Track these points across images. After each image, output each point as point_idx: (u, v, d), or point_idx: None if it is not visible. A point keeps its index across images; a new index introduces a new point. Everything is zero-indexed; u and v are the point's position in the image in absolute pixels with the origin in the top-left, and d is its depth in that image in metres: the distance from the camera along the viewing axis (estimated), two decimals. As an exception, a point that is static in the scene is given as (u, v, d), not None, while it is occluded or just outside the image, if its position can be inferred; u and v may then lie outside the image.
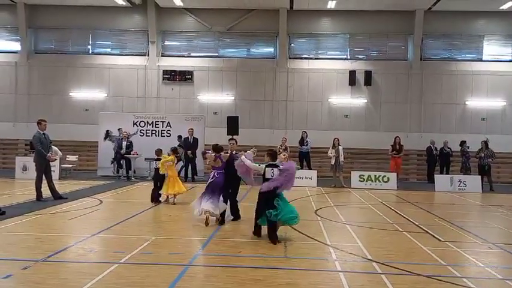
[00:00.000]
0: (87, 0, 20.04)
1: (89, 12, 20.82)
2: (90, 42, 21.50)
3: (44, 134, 11.35)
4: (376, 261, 6.17)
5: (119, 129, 17.58)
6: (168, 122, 18.28)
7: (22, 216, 8.95)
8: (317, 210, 10.82)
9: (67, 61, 21.03)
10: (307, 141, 17.93)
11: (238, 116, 18.03)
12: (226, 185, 8.90)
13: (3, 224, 8.14)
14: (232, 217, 9.14)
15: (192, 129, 17.27)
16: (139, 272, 5.47)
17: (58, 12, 20.94)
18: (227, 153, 9.17)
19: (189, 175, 16.97)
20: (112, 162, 17.49)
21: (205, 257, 6.34)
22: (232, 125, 17.43)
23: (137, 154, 16.92)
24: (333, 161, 16.50)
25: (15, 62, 21.03)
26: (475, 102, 20.47)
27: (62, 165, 17.08)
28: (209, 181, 8.86)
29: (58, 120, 18.92)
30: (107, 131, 17.73)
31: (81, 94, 20.84)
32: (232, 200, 9.16)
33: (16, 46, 21.29)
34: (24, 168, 16.26)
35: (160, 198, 11.30)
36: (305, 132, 18.20)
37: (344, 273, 5.58)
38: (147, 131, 18.20)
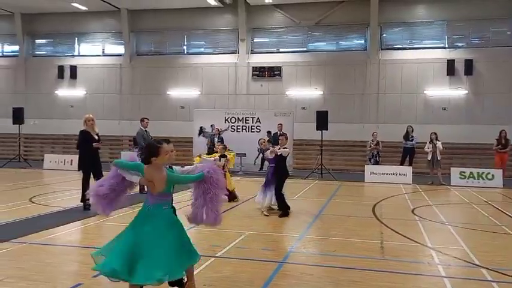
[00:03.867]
0: (182, 3, 20.98)
1: (184, 15, 21.82)
2: (185, 43, 22.56)
3: (146, 131, 12.14)
4: (484, 267, 5.67)
5: (211, 126, 18.25)
6: (258, 118, 18.57)
7: (127, 208, 9.60)
8: (414, 209, 10.26)
9: (165, 62, 22.28)
10: (412, 136, 17.05)
11: (327, 111, 17.76)
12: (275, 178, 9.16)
13: (111, 215, 8.82)
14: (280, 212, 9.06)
15: (281, 124, 17.34)
16: (235, 266, 5.61)
17: (156, 16, 22.23)
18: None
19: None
20: (205, 157, 18.21)
21: (299, 254, 6.31)
22: (321, 120, 17.23)
23: (228, 149, 17.41)
24: (429, 157, 15.56)
25: (119, 64, 22.75)
26: None
27: (161, 160, 18.14)
28: None
29: (157, 118, 20.06)
30: (201, 127, 18.48)
31: (178, 92, 21.96)
32: (277, 194, 9.08)
33: (120, 49, 23.03)
34: (128, 163, 17.53)
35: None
36: (411, 126, 17.25)
37: (449, 279, 5.20)
38: (238, 127, 18.66)
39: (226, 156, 10.91)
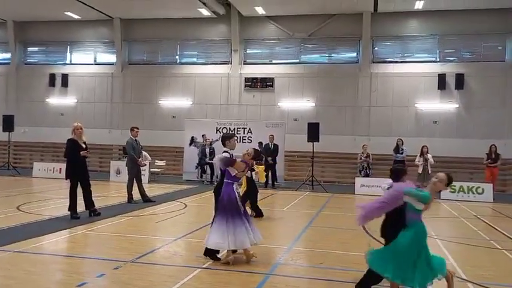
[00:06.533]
0: (175, 13, 21.04)
1: (177, 24, 21.87)
2: (178, 52, 22.58)
3: (136, 140, 12.06)
4: (472, 282, 5.65)
5: (203, 136, 18.19)
6: (250, 129, 18.55)
7: (115, 218, 9.54)
8: (403, 222, 10.24)
9: (157, 71, 22.27)
10: (402, 149, 17.12)
11: (318, 123, 17.79)
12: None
13: (99, 224, 8.75)
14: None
15: (272, 135, 17.36)
16: (221, 278, 5.54)
17: (149, 25, 22.26)
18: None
19: (269, 181, 17.03)
20: (196, 168, 18.13)
21: (285, 266, 6.24)
22: (313, 132, 17.25)
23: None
24: (420, 170, 15.61)
25: (111, 73, 22.69)
26: None
27: (151, 170, 18.05)
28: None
29: (148, 127, 19.98)
30: (192, 137, 18.41)
31: (169, 102, 21.91)
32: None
33: (112, 58, 22.99)
34: (118, 172, 17.42)
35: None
36: (401, 139, 17.32)
37: (436, 293, 5.17)
38: (230, 138, 18.59)
39: (254, 170, 9.90)
